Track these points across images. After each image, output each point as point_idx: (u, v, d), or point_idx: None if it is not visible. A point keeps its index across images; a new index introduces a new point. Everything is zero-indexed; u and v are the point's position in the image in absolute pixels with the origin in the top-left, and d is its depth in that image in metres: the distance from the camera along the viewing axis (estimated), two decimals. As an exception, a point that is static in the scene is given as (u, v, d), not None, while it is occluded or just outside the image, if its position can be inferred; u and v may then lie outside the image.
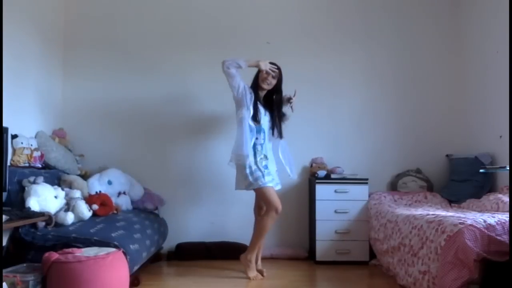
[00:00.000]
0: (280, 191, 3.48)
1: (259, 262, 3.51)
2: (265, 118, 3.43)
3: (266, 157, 3.39)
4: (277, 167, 3.52)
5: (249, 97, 3.32)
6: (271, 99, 3.51)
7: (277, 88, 3.46)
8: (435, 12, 4.37)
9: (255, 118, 3.34)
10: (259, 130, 3.38)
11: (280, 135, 3.50)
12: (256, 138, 3.37)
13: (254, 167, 3.28)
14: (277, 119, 3.48)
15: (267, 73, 3.36)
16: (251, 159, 3.27)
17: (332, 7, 4.34)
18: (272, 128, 3.48)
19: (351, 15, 4.34)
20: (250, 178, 3.26)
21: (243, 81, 3.36)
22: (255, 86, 3.44)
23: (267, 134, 3.44)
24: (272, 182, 3.33)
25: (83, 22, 4.24)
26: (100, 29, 4.25)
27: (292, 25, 4.31)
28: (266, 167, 3.35)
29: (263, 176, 3.27)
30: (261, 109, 3.41)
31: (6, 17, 2.75)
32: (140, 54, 4.24)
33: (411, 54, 4.33)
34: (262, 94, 3.48)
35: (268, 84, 3.40)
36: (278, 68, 3.42)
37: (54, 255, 2.41)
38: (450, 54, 4.33)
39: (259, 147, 3.36)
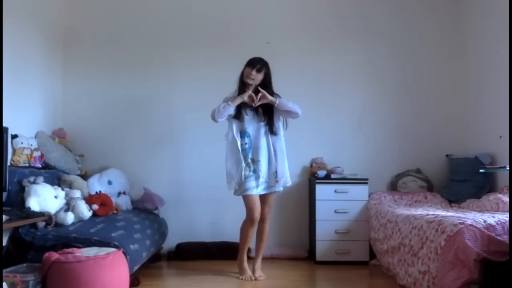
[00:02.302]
0: (280, 191, 3.45)
1: (257, 269, 3.39)
2: (250, 118, 3.33)
3: (253, 160, 3.31)
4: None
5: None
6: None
7: (265, 83, 3.32)
8: (435, 12, 4.37)
9: (238, 116, 3.31)
10: (244, 135, 3.33)
11: (271, 130, 3.33)
12: (241, 144, 3.32)
13: (238, 175, 3.28)
14: (264, 113, 3.33)
15: (248, 71, 3.28)
16: (240, 165, 3.29)
17: (332, 6, 4.34)
18: (267, 123, 3.34)
19: (351, 15, 4.34)
20: (235, 186, 3.31)
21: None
22: (242, 87, 3.34)
23: (253, 135, 3.32)
24: (254, 189, 3.27)
25: (83, 22, 4.25)
26: (100, 29, 4.26)
27: (292, 25, 4.31)
28: (254, 171, 3.29)
29: (244, 183, 3.26)
30: (245, 110, 3.33)
31: (6, 17, 2.74)
32: (140, 53, 4.25)
33: (411, 54, 4.33)
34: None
35: (253, 79, 3.28)
36: (265, 63, 3.32)
37: (54, 255, 2.41)
38: (450, 54, 4.33)
39: (244, 153, 3.30)
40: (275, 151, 3.35)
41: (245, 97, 3.27)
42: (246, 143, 3.32)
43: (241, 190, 3.28)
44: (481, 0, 4.04)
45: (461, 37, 4.31)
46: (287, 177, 3.39)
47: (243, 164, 3.28)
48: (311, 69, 4.26)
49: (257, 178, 3.29)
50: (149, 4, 4.31)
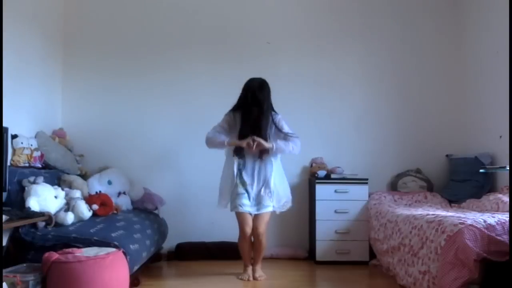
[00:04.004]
0: (272, 211, 3.43)
1: (257, 269, 3.39)
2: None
3: (245, 182, 3.31)
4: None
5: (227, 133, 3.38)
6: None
7: (261, 103, 3.27)
8: (435, 12, 4.37)
9: (238, 152, 3.33)
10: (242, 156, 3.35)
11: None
12: (238, 164, 3.36)
13: (228, 191, 3.35)
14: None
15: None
16: (233, 183, 3.33)
17: (333, 6, 4.34)
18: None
19: (352, 15, 4.34)
20: (225, 205, 3.40)
21: (225, 125, 3.37)
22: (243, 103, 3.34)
23: (248, 158, 3.34)
24: (246, 207, 3.28)
25: (83, 22, 4.25)
26: (100, 29, 4.26)
27: (292, 25, 4.31)
28: (246, 191, 3.31)
29: (236, 199, 3.29)
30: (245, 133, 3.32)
31: (7, 18, 2.74)
32: (140, 54, 4.24)
33: (411, 54, 4.33)
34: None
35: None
36: (264, 82, 3.32)
37: (54, 255, 2.41)
38: (450, 54, 4.33)
39: (238, 173, 3.35)
40: (269, 175, 3.34)
41: (243, 144, 3.28)
42: (241, 164, 3.36)
43: (233, 206, 3.33)
44: (481, 0, 4.04)
45: (461, 37, 4.30)
46: (288, 198, 3.46)
47: (236, 181, 3.32)
48: (311, 69, 4.26)
49: (249, 197, 3.32)
50: (149, 6, 4.30)
